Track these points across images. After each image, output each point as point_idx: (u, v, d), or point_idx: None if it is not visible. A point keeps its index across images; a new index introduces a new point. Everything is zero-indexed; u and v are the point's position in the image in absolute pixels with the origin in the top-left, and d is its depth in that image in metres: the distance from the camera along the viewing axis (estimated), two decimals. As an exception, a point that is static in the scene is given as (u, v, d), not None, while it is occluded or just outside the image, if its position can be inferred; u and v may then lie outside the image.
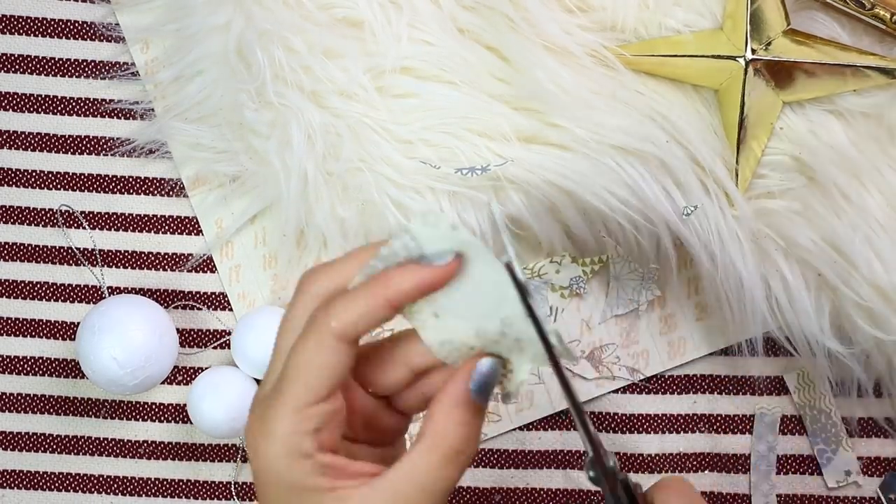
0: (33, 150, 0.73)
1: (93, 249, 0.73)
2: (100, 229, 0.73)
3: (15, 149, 0.73)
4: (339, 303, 0.52)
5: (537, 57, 0.68)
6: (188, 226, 0.73)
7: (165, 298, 0.72)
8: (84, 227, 0.73)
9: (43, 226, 0.73)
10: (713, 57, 0.69)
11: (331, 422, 0.52)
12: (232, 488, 0.72)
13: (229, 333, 0.72)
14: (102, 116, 0.73)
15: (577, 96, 0.68)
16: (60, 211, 0.73)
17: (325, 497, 0.51)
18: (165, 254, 0.73)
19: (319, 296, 0.53)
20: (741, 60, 0.68)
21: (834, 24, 0.69)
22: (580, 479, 0.72)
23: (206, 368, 0.71)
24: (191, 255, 0.73)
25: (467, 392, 0.52)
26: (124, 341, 0.67)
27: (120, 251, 0.73)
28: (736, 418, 0.72)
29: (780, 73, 0.68)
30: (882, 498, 0.72)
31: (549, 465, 0.72)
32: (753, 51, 0.68)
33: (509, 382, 0.53)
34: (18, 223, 0.73)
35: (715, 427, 0.72)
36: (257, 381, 0.71)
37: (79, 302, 0.73)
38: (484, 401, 0.52)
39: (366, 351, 0.54)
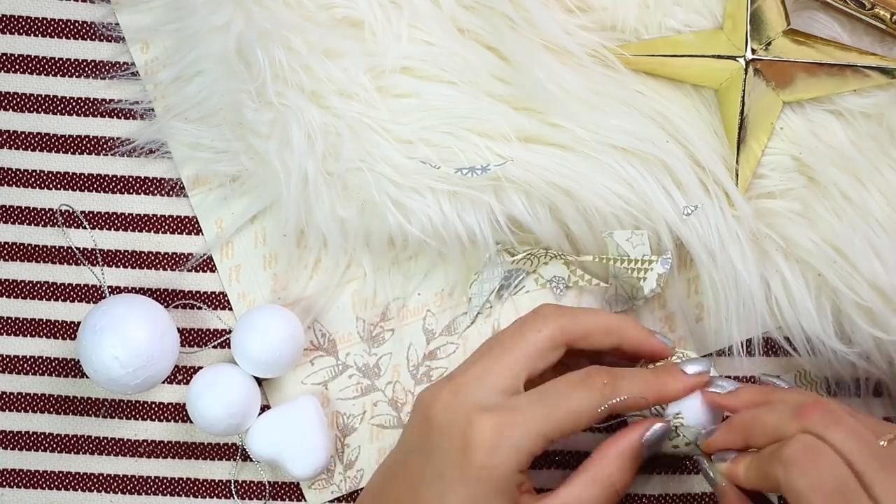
0: (33, 150, 0.73)
1: (93, 249, 0.73)
2: (100, 229, 0.73)
3: (15, 149, 0.73)
4: (623, 379, 0.63)
5: (537, 57, 0.68)
6: (188, 225, 0.73)
7: (165, 298, 0.72)
8: (85, 227, 0.73)
9: (43, 226, 0.73)
10: (713, 57, 0.69)
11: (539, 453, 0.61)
12: (232, 487, 0.72)
13: (229, 333, 0.72)
14: (102, 116, 0.73)
15: (578, 96, 0.68)
16: (60, 211, 0.73)
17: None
18: (165, 253, 0.73)
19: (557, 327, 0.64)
20: (741, 60, 0.68)
21: (834, 24, 0.69)
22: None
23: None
24: (191, 254, 0.73)
25: (640, 444, 0.61)
26: (126, 340, 0.67)
27: (120, 251, 0.73)
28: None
29: (781, 73, 0.68)
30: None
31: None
32: (753, 51, 0.68)
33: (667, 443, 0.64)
34: (18, 223, 0.73)
35: (715, 427, 0.72)
36: (257, 379, 0.71)
37: (79, 301, 0.73)
38: (647, 454, 0.62)
39: None
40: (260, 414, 0.70)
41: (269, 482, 0.72)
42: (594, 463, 0.61)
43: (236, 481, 0.72)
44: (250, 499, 0.72)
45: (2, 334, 0.73)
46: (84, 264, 0.73)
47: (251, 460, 0.72)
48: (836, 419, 0.57)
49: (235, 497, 0.72)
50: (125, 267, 0.73)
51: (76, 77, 0.73)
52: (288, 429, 0.69)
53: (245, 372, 0.70)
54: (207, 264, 0.73)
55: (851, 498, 0.54)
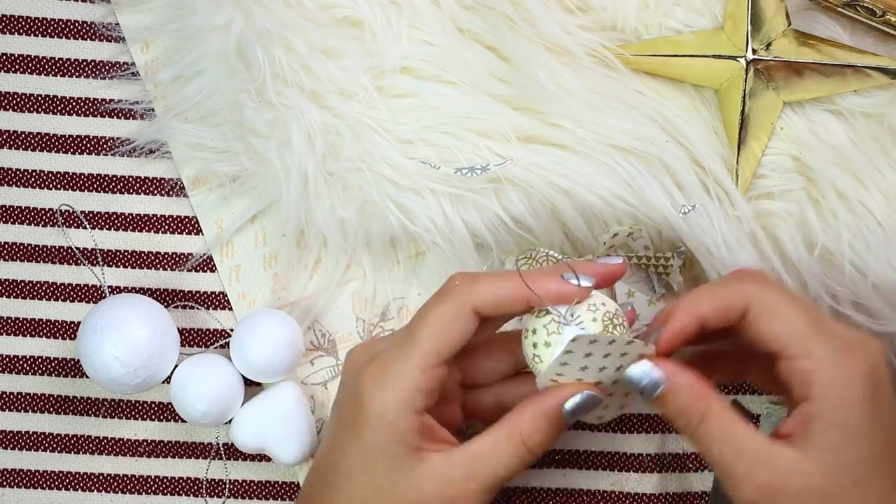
0: (33, 150, 0.73)
1: (93, 249, 0.73)
2: (99, 229, 0.73)
3: (15, 149, 0.73)
4: (483, 279, 0.59)
5: (537, 57, 0.68)
6: (188, 225, 0.73)
7: (165, 298, 0.72)
8: (85, 227, 0.73)
9: (43, 226, 0.73)
10: (714, 57, 0.69)
11: (437, 387, 0.59)
12: (227, 486, 0.72)
13: (229, 333, 0.72)
14: (102, 116, 0.73)
15: (578, 96, 0.68)
16: (60, 211, 0.73)
17: (411, 454, 0.57)
18: (165, 253, 0.73)
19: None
20: (742, 61, 0.68)
21: (835, 25, 0.69)
22: (580, 479, 0.72)
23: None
24: (191, 254, 0.73)
25: (560, 409, 0.57)
26: (127, 340, 0.67)
27: (120, 251, 0.73)
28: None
29: (781, 74, 0.68)
30: None
31: (549, 465, 0.72)
32: (754, 51, 0.68)
33: (603, 410, 0.60)
34: (18, 223, 0.73)
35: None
36: (254, 382, 0.71)
37: (79, 301, 0.73)
38: (570, 422, 0.58)
39: (478, 337, 0.60)
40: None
41: (265, 481, 0.73)
42: (510, 419, 0.58)
43: (234, 480, 0.73)
44: (251, 498, 0.72)
45: (2, 334, 0.73)
46: (84, 264, 0.73)
47: (244, 459, 0.72)
48: (772, 281, 0.59)
49: (228, 494, 0.73)
50: (125, 267, 0.73)
51: (76, 77, 0.73)
52: (271, 417, 0.69)
53: (230, 363, 0.70)
54: (207, 264, 0.73)
55: (821, 330, 0.57)
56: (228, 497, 0.72)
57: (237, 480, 0.72)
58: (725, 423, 0.56)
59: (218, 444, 0.72)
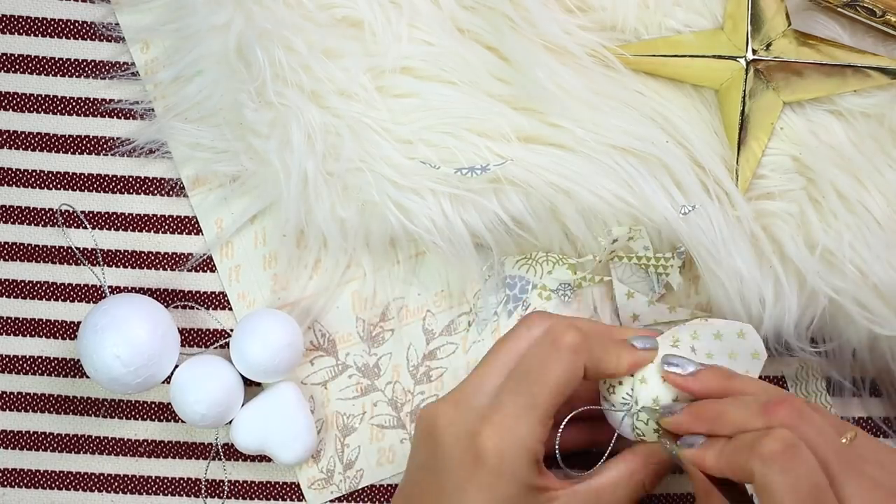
0: (33, 150, 0.73)
1: (93, 249, 0.73)
2: (100, 229, 0.73)
3: (15, 149, 0.73)
4: (595, 338, 0.62)
5: (537, 57, 0.68)
6: (188, 225, 0.73)
7: (165, 298, 0.72)
8: (86, 227, 0.73)
9: (43, 226, 0.73)
10: (714, 57, 0.69)
11: (548, 434, 0.62)
12: (225, 486, 0.72)
13: (229, 333, 0.72)
14: (102, 116, 0.73)
15: (577, 96, 0.68)
16: (61, 210, 0.73)
17: (539, 494, 0.61)
18: (165, 253, 0.73)
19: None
20: (742, 61, 0.68)
21: (834, 25, 0.69)
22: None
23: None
24: (191, 254, 0.73)
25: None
26: (127, 339, 0.67)
27: (120, 251, 0.73)
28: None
29: (781, 74, 0.68)
30: None
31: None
32: (754, 51, 0.68)
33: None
34: (18, 223, 0.73)
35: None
36: (254, 382, 0.71)
37: (79, 301, 0.73)
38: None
39: None
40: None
41: (266, 481, 0.73)
42: (630, 456, 0.63)
43: (233, 481, 0.73)
44: (251, 498, 0.72)
45: (2, 334, 0.73)
46: (84, 264, 0.73)
47: (244, 459, 0.72)
48: (804, 417, 0.57)
49: (227, 496, 0.73)
50: (125, 267, 0.73)
51: (76, 77, 0.73)
52: (271, 418, 0.69)
53: (230, 365, 0.70)
54: (207, 264, 0.73)
55: (823, 499, 0.54)
56: (228, 497, 0.72)
57: (236, 481, 0.72)
58: None
59: (217, 444, 0.72)
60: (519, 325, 0.64)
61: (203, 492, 0.73)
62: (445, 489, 0.60)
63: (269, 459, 0.72)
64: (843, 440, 0.57)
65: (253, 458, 0.72)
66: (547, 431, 0.61)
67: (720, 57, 0.68)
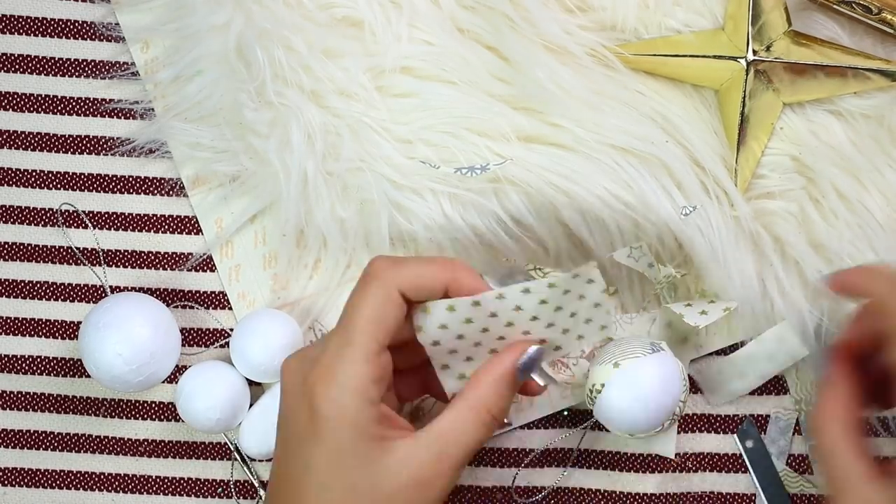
0: (33, 149, 0.73)
1: (94, 249, 0.73)
2: (100, 229, 0.73)
3: (15, 149, 0.73)
4: (406, 262, 0.59)
5: (537, 57, 0.68)
6: (188, 225, 0.73)
7: (166, 297, 0.72)
8: (87, 227, 0.73)
9: (43, 225, 0.73)
10: (714, 57, 0.68)
11: (386, 374, 0.59)
12: (232, 487, 0.73)
13: (229, 333, 0.72)
14: (102, 116, 0.73)
15: (577, 96, 0.68)
16: (61, 210, 0.73)
17: (376, 445, 0.57)
18: (165, 253, 0.73)
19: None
20: (742, 61, 0.68)
21: (834, 25, 0.69)
22: (580, 479, 0.72)
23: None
24: (191, 254, 0.73)
25: (513, 368, 0.59)
26: (129, 338, 0.67)
27: (120, 250, 0.73)
28: (736, 418, 0.72)
29: (781, 75, 0.68)
30: (739, 446, 0.72)
31: (550, 464, 0.72)
32: (755, 52, 0.68)
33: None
34: (18, 223, 0.73)
35: (714, 427, 0.72)
36: (253, 382, 0.71)
37: (79, 301, 0.73)
38: (522, 378, 0.60)
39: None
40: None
41: (266, 481, 0.73)
42: (468, 390, 0.60)
43: (237, 481, 0.73)
44: (251, 498, 0.73)
45: (3, 334, 0.73)
46: (84, 264, 0.73)
47: (247, 459, 0.72)
48: None
49: (234, 497, 0.73)
50: (125, 266, 0.73)
51: (76, 77, 0.73)
52: (275, 421, 0.69)
53: (234, 369, 0.70)
54: (207, 264, 0.73)
55: None
56: (230, 497, 0.73)
57: (239, 481, 0.73)
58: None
59: (234, 444, 0.72)
60: (363, 285, 0.60)
61: (233, 492, 0.73)
62: (290, 443, 0.59)
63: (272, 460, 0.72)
64: None
65: (253, 458, 0.72)
66: (378, 369, 0.58)
67: (721, 57, 0.68)
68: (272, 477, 0.61)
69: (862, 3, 0.67)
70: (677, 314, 0.68)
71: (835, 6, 0.68)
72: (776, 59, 0.68)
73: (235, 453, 0.72)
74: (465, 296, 0.59)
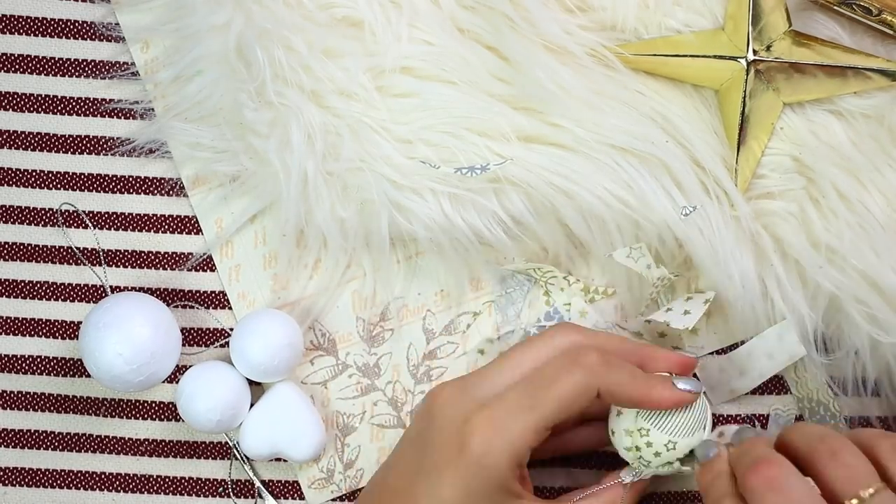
0: (33, 149, 0.73)
1: (94, 249, 0.73)
2: (100, 228, 0.73)
3: (15, 149, 0.73)
4: (616, 368, 0.62)
5: (537, 56, 0.68)
6: (188, 225, 0.73)
7: (166, 297, 0.72)
8: (88, 227, 0.73)
9: (43, 225, 0.73)
10: (714, 57, 0.68)
11: (541, 444, 0.62)
12: (229, 485, 0.73)
13: (229, 333, 0.72)
14: (102, 116, 0.73)
15: (577, 96, 0.68)
16: (61, 210, 0.73)
17: (512, 499, 0.61)
18: (165, 253, 0.73)
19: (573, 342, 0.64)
20: (742, 62, 0.68)
21: (834, 25, 0.69)
22: (582, 478, 0.72)
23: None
24: (191, 254, 0.73)
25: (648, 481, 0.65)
26: (130, 337, 0.67)
27: (120, 250, 0.73)
28: (738, 417, 0.72)
29: (781, 75, 0.68)
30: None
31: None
32: (755, 52, 0.68)
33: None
34: (18, 223, 0.73)
35: (714, 426, 0.72)
36: (253, 382, 0.71)
37: (79, 301, 0.73)
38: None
39: None
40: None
41: (266, 480, 0.73)
42: (604, 492, 0.64)
43: (236, 480, 0.73)
44: (251, 497, 0.73)
45: (3, 334, 0.73)
46: (84, 264, 0.73)
47: (247, 458, 0.72)
48: (775, 488, 0.57)
49: (231, 496, 0.73)
50: (125, 266, 0.73)
51: (76, 77, 0.73)
52: (275, 421, 0.69)
53: (234, 369, 0.70)
54: (207, 264, 0.73)
55: None
56: (231, 496, 0.73)
57: (239, 480, 0.73)
58: None
59: (234, 444, 0.72)
60: (545, 333, 0.65)
61: (230, 492, 0.73)
62: (424, 467, 0.61)
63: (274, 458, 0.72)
64: (865, 494, 0.56)
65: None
66: (539, 440, 0.61)
67: (721, 57, 0.68)
68: (381, 484, 0.64)
69: (862, 4, 0.67)
70: (662, 323, 0.68)
71: (835, 7, 0.68)
72: (776, 59, 0.68)
73: (235, 452, 0.72)
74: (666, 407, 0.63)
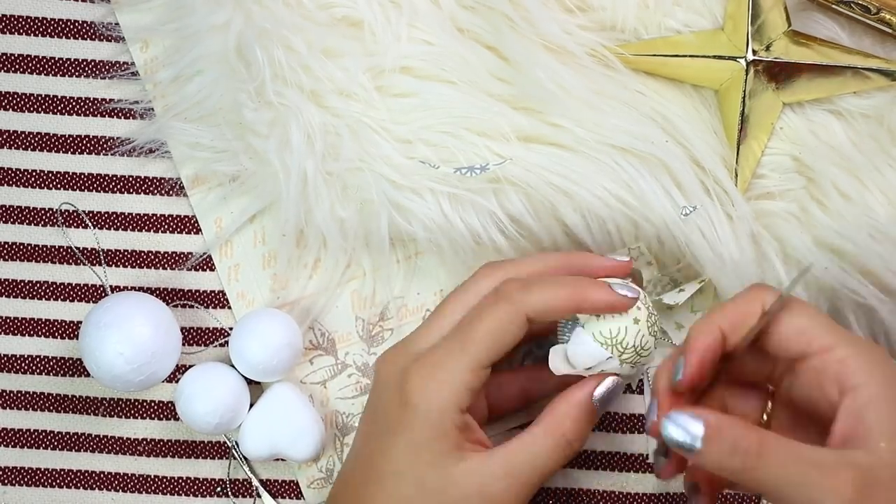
0: (33, 149, 0.73)
1: (94, 249, 0.73)
2: (99, 228, 0.73)
3: (15, 149, 0.73)
4: (537, 287, 0.61)
5: (537, 56, 0.68)
6: (187, 225, 0.73)
7: (165, 297, 0.73)
8: (88, 226, 0.73)
9: (43, 225, 0.73)
10: (714, 57, 0.68)
11: (481, 387, 0.61)
12: (228, 485, 0.73)
13: (228, 332, 0.72)
14: (102, 116, 0.73)
15: (578, 96, 0.68)
16: (61, 210, 0.73)
17: (454, 451, 0.60)
18: (165, 252, 0.73)
19: (498, 279, 0.62)
20: (742, 62, 0.68)
21: (834, 25, 0.69)
22: (581, 479, 0.72)
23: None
24: (190, 253, 0.73)
25: (590, 397, 0.62)
26: (131, 337, 0.67)
27: (119, 250, 0.73)
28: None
29: (781, 74, 0.68)
30: None
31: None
32: (754, 52, 0.68)
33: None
34: (18, 223, 0.73)
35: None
36: (252, 381, 0.71)
37: (79, 301, 0.73)
38: (602, 410, 0.62)
39: None
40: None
41: (264, 480, 0.73)
42: (547, 416, 0.61)
43: (235, 480, 0.73)
44: (251, 497, 0.73)
45: (3, 334, 0.73)
46: (84, 263, 0.73)
47: (246, 459, 0.72)
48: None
49: (230, 496, 0.73)
50: (125, 266, 0.73)
51: (76, 77, 0.73)
52: (275, 421, 0.69)
53: (233, 371, 0.70)
54: (207, 263, 0.73)
55: None
56: (231, 495, 0.73)
57: (238, 479, 0.73)
58: (789, 445, 0.54)
59: (233, 444, 0.72)
60: (471, 278, 0.64)
61: (229, 491, 0.73)
62: (376, 431, 0.61)
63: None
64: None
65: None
66: (477, 381, 0.60)
67: (720, 57, 0.68)
68: (347, 462, 0.63)
69: (861, 2, 0.67)
70: (657, 299, 0.68)
71: (834, 6, 0.68)
72: (776, 58, 0.68)
73: (235, 452, 0.72)
74: (596, 312, 0.62)
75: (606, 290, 0.62)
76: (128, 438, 0.73)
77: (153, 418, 0.73)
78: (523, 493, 0.60)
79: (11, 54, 0.73)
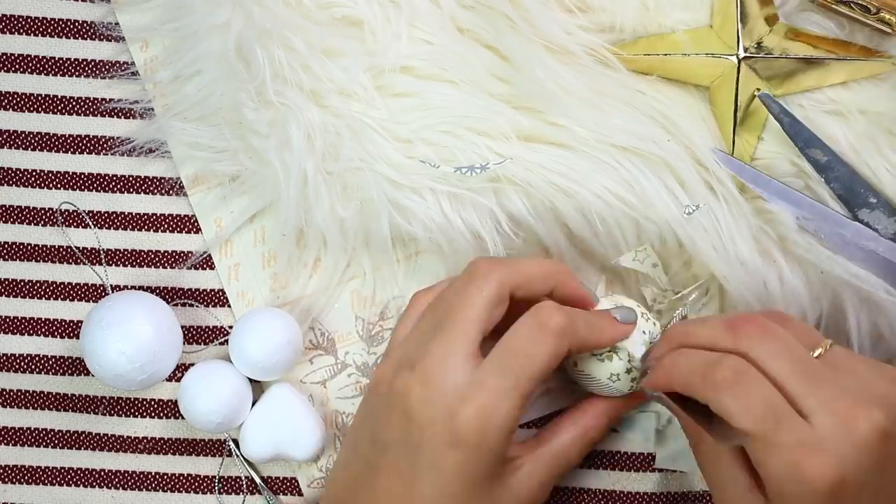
0: (33, 149, 0.73)
1: (94, 248, 0.73)
2: (100, 228, 0.73)
3: (15, 148, 0.73)
4: (514, 264, 0.63)
5: (537, 56, 0.68)
6: (187, 224, 0.73)
7: (165, 296, 0.73)
8: (88, 226, 0.73)
9: (43, 225, 0.73)
10: (705, 55, 0.69)
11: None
12: (215, 484, 0.73)
13: (228, 331, 0.72)
14: (102, 116, 0.73)
15: (578, 95, 0.68)
16: (61, 210, 0.73)
17: (508, 466, 0.63)
18: (165, 252, 0.73)
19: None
20: (733, 58, 0.68)
21: (832, 25, 0.69)
22: (581, 478, 0.72)
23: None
24: (190, 253, 0.73)
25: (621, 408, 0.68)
26: (133, 336, 0.67)
27: (120, 249, 0.73)
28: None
29: (772, 69, 0.68)
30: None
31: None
32: (745, 48, 0.68)
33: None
34: (18, 223, 0.73)
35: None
36: (252, 380, 0.71)
37: (79, 300, 0.73)
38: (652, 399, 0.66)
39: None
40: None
41: (264, 477, 0.73)
42: (580, 419, 0.67)
43: (235, 477, 0.73)
44: (251, 494, 0.73)
45: (3, 333, 0.73)
46: (85, 263, 0.73)
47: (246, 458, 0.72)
48: (769, 334, 0.57)
49: (218, 493, 0.73)
50: (125, 265, 0.73)
51: (76, 77, 0.73)
52: (275, 422, 0.69)
53: (236, 369, 0.70)
54: (207, 262, 0.73)
55: (781, 417, 0.55)
56: (227, 494, 0.73)
57: (238, 478, 0.73)
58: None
59: (230, 442, 0.72)
60: (468, 284, 0.62)
61: (217, 489, 0.73)
62: (418, 466, 0.60)
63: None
64: (815, 354, 0.58)
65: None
66: (525, 409, 0.61)
67: (712, 54, 0.68)
68: (359, 483, 0.63)
69: (860, 2, 0.67)
70: (650, 277, 0.69)
71: (833, 6, 0.68)
72: (766, 54, 0.68)
73: (234, 450, 0.72)
74: (569, 301, 0.63)
75: (577, 282, 0.65)
76: (128, 437, 0.73)
77: (153, 416, 0.73)
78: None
79: (11, 54, 0.73)
